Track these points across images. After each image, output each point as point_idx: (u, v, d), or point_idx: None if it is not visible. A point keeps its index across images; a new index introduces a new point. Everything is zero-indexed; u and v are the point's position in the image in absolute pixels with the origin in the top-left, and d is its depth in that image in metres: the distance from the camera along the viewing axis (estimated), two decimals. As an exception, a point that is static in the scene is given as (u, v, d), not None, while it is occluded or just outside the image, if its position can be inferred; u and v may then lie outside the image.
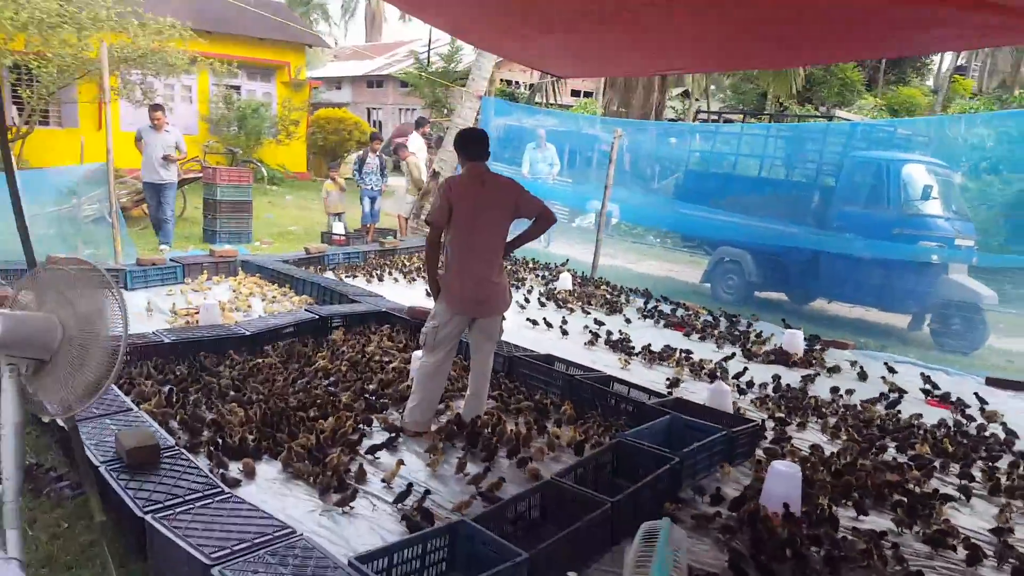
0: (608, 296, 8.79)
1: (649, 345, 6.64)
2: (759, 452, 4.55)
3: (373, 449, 4.12)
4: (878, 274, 7.92)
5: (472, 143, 4.46)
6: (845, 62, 17.33)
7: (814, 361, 6.62)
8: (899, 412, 5.45)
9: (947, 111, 22.66)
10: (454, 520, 3.19)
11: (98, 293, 2.44)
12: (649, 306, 8.46)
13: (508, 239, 4.52)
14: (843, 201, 8.36)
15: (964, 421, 5.37)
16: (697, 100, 27.31)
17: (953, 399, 5.81)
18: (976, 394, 5.85)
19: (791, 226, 8.53)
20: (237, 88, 20.16)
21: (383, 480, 3.82)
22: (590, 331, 7.14)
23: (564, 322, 7.38)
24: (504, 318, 4.67)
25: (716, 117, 13.81)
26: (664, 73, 16.43)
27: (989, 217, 8.06)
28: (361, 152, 12.76)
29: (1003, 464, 4.64)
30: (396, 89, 38.04)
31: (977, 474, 4.44)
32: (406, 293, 8.29)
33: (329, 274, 8.89)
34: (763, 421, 4.93)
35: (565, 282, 8.96)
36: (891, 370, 6.43)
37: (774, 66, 14.19)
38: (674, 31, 5.07)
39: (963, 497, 4.10)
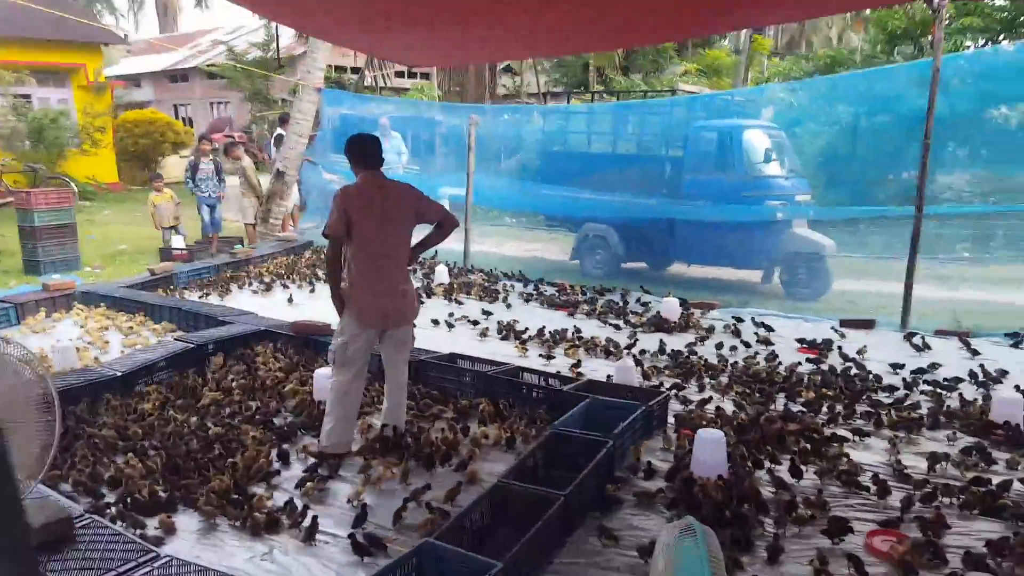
0: (485, 283, 8.82)
1: (543, 328, 6.75)
2: (671, 419, 4.78)
3: (302, 482, 3.90)
4: (730, 235, 8.53)
5: (365, 150, 4.28)
6: (696, 37, 18.07)
7: (691, 324, 7.03)
8: (780, 363, 5.90)
9: (751, 70, 24.60)
10: (416, 543, 3.09)
11: None
12: (528, 289, 8.59)
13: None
14: (692, 170, 8.88)
15: (832, 364, 5.90)
16: (519, 75, 27.92)
17: (819, 343, 6.40)
18: (827, 340, 6.48)
19: (648, 198, 8.96)
20: (27, 97, 18.00)
21: (348, 500, 3.73)
22: (469, 321, 7.15)
23: (451, 315, 7.33)
24: (415, 324, 4.57)
25: (565, 97, 14.11)
26: (524, 58, 16.72)
27: (813, 172, 8.88)
28: (192, 157, 11.87)
29: (880, 399, 5.18)
30: (204, 82, 35.87)
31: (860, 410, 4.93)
32: (268, 304, 7.89)
33: (187, 294, 8.26)
34: (670, 389, 5.16)
35: (442, 275, 8.88)
36: (751, 322, 7.02)
37: (637, 44, 14.81)
38: (531, 18, 5.16)
39: (856, 437, 4.51)
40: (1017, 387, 5.08)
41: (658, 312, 7.31)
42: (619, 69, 23.94)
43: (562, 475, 3.73)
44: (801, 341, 6.42)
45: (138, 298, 7.48)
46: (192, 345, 5.76)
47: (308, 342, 6.11)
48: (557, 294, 8.37)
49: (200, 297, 8.16)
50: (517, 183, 10.45)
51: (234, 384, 5.28)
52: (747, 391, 5.26)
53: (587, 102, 14.69)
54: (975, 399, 5.03)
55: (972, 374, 5.52)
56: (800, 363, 5.85)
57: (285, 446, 4.34)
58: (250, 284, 8.84)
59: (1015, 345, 6.26)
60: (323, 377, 5.04)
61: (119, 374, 5.09)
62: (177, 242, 10.93)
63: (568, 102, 12.77)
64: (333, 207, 4.14)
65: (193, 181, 11.21)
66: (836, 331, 6.72)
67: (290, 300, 8.14)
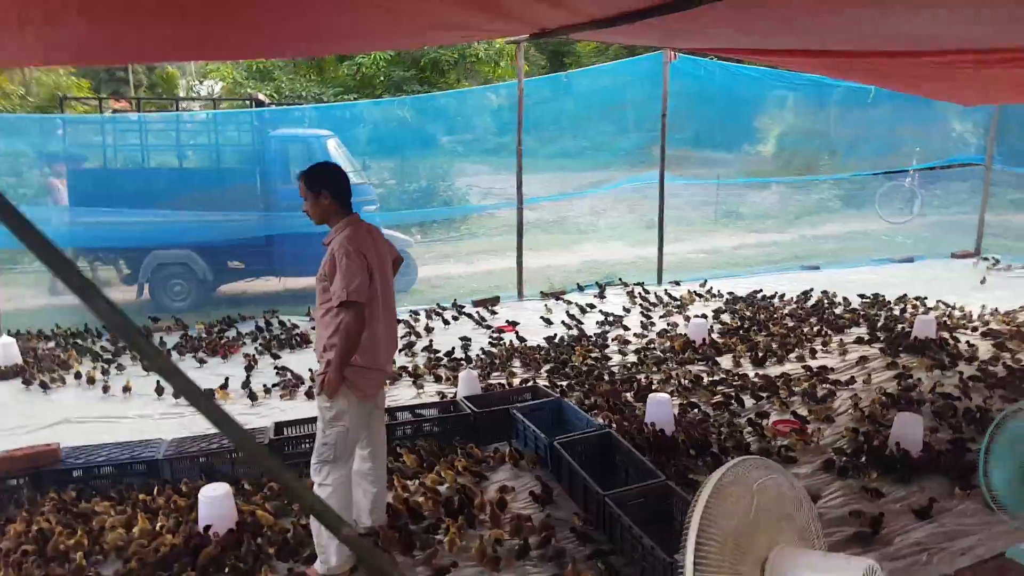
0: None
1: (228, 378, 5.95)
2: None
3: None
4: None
5: (346, 182, 3.39)
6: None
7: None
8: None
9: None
10: None
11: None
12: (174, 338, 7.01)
13: None
14: (284, 181, 8.23)
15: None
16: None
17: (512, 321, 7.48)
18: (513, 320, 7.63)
19: (244, 214, 8.05)
20: None
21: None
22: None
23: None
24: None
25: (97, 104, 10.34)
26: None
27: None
28: None
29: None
30: None
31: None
32: None
33: None
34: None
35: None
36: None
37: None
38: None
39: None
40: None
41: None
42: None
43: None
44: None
45: None
46: None
47: (39, 479, 4.02)
48: (204, 336, 7.07)
49: None
50: (48, 211, 7.77)
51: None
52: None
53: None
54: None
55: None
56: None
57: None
58: None
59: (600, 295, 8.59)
60: (214, 498, 3.67)
61: None
62: None
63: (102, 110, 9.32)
64: (353, 266, 3.14)
65: None
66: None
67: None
